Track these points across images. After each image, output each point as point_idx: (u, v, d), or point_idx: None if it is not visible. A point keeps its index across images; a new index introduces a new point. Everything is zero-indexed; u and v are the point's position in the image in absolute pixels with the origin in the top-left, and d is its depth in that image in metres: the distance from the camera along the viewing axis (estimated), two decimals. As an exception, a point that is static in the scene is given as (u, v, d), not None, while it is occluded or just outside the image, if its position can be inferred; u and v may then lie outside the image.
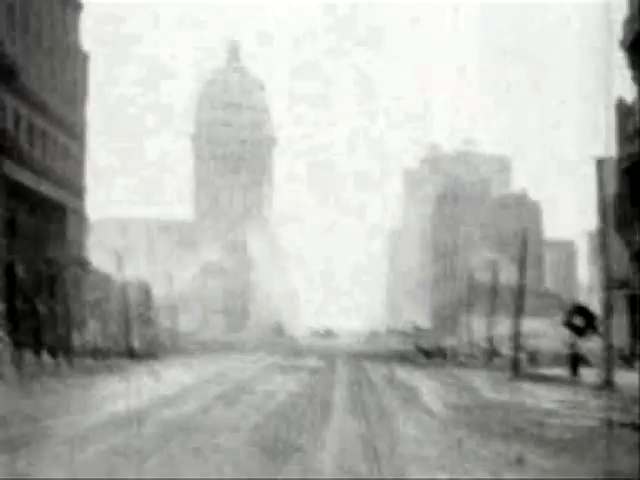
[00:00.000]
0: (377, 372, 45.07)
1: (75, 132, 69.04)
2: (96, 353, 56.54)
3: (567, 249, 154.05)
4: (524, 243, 50.95)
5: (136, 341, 73.45)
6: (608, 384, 35.34)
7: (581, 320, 42.18)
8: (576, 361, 41.07)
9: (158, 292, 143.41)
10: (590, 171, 78.36)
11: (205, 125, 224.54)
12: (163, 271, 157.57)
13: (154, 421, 20.76)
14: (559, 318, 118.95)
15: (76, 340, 65.92)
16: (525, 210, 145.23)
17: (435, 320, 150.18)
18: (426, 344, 76.55)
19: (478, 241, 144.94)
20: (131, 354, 59.40)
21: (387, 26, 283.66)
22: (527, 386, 36.54)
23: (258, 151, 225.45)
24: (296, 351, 74.35)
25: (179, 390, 30.88)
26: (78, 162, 70.21)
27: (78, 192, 70.41)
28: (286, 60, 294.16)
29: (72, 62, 68.25)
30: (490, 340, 64.26)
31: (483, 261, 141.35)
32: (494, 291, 65.80)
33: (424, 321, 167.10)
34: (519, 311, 47.31)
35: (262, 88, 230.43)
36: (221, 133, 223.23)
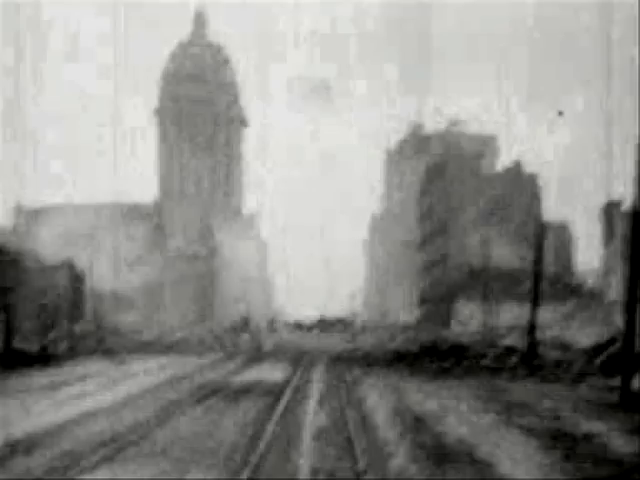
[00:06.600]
0: (378, 397, 26.03)
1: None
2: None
3: (561, 233, 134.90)
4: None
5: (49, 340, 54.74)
6: None
7: None
8: None
9: (116, 283, 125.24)
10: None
11: (170, 101, 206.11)
12: (124, 259, 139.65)
13: None
14: (572, 306, 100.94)
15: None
16: (521, 185, 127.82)
17: (424, 310, 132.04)
18: (435, 342, 57.35)
19: (471, 220, 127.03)
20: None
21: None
22: None
23: (227, 130, 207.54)
24: (259, 353, 55.57)
25: None
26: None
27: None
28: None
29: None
30: (530, 334, 45.09)
31: (478, 243, 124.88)
32: (538, 276, 46.70)
33: (409, 311, 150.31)
34: (633, 300, 27.92)
35: (229, 62, 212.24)
36: (187, 109, 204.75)
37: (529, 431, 18.81)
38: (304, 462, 14.66)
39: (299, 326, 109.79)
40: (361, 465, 14.26)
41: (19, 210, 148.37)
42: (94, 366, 41.84)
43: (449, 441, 17.23)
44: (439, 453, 15.76)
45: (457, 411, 22.50)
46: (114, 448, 16.19)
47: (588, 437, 17.78)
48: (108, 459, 15.00)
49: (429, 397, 26.49)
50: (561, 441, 17.24)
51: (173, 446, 16.39)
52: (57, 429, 18.83)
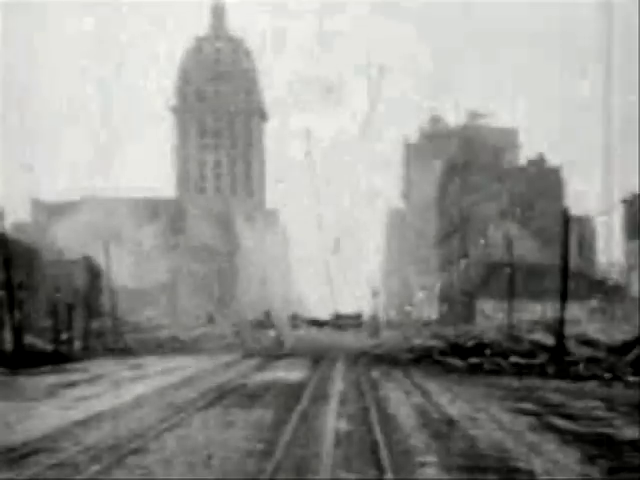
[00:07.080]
0: (404, 398, 24.61)
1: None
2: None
3: (584, 227, 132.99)
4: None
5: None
6: None
7: None
8: None
9: (135, 279, 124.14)
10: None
11: (189, 96, 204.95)
12: (145, 256, 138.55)
13: None
14: (596, 302, 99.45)
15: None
16: (544, 178, 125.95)
17: (447, 306, 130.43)
18: (459, 338, 55.76)
19: (493, 214, 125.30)
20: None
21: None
22: None
23: (247, 125, 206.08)
24: (281, 350, 54.13)
25: None
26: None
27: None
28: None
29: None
30: (558, 330, 43.45)
31: (501, 237, 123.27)
32: (565, 271, 45.02)
33: (432, 307, 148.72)
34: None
35: (249, 56, 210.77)
36: (206, 105, 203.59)
37: (568, 435, 17.30)
38: (324, 472, 13.25)
39: (320, 322, 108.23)
40: (388, 477, 12.83)
41: (37, 205, 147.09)
42: (107, 366, 40.52)
43: (483, 447, 15.76)
44: (473, 463, 14.26)
45: (489, 413, 21.02)
46: (115, 456, 14.78)
47: (633, 444, 16.28)
48: (108, 468, 13.60)
49: (457, 397, 25.03)
50: (604, 449, 15.73)
51: (180, 454, 14.96)
52: (56, 435, 17.47)
